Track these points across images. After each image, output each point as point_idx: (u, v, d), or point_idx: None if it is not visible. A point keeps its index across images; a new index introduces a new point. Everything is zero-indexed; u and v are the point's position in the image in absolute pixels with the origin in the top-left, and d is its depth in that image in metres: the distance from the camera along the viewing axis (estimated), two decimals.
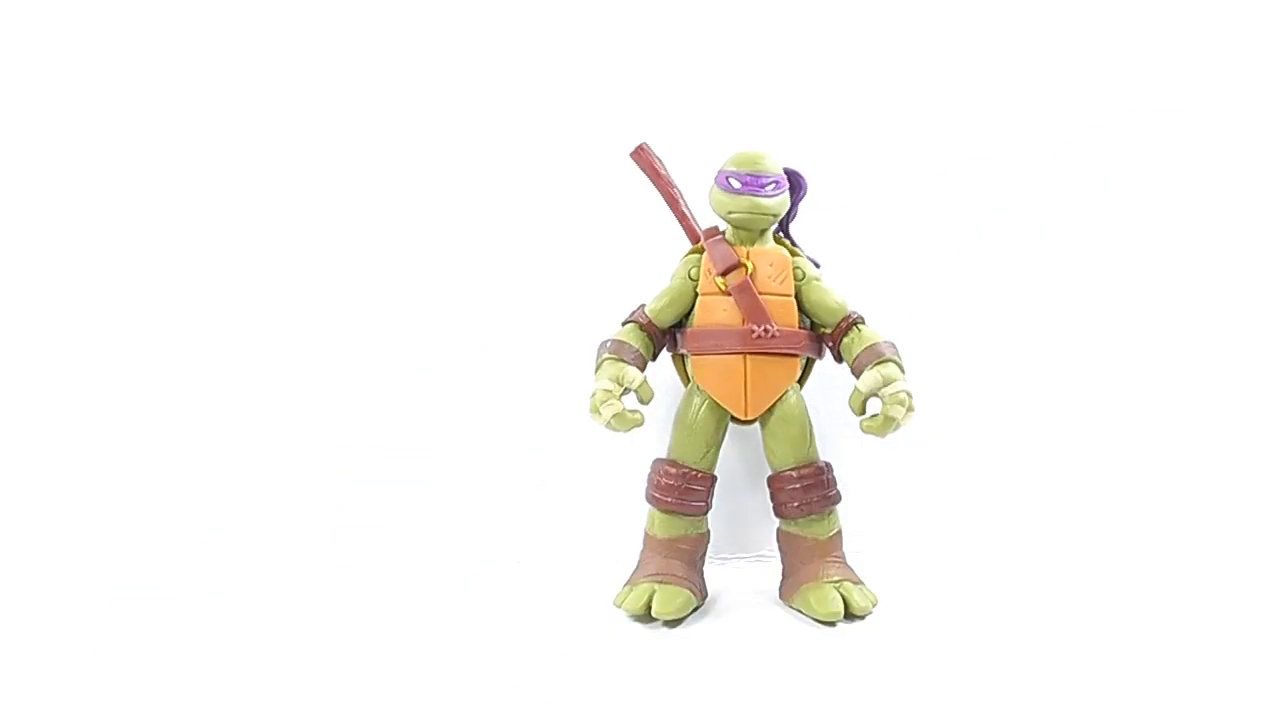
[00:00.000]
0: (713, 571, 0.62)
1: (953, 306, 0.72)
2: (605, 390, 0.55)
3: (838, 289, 0.59)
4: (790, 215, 0.61)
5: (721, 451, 0.59)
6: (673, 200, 0.63)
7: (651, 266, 0.63)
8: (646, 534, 0.59)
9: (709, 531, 0.60)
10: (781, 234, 0.61)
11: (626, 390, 0.56)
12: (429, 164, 0.73)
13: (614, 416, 0.55)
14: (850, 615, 0.55)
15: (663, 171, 0.63)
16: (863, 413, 0.56)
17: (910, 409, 0.55)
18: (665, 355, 0.61)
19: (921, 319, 0.70)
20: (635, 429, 0.56)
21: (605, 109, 0.72)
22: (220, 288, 0.73)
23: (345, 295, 0.73)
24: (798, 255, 0.60)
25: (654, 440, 0.61)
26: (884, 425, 0.55)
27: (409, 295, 0.72)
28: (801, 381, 0.61)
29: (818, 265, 0.61)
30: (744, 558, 0.68)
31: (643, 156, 0.63)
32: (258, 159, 0.73)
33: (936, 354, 0.69)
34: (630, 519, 0.61)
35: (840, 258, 0.64)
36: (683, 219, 0.62)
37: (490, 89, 0.73)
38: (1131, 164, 0.74)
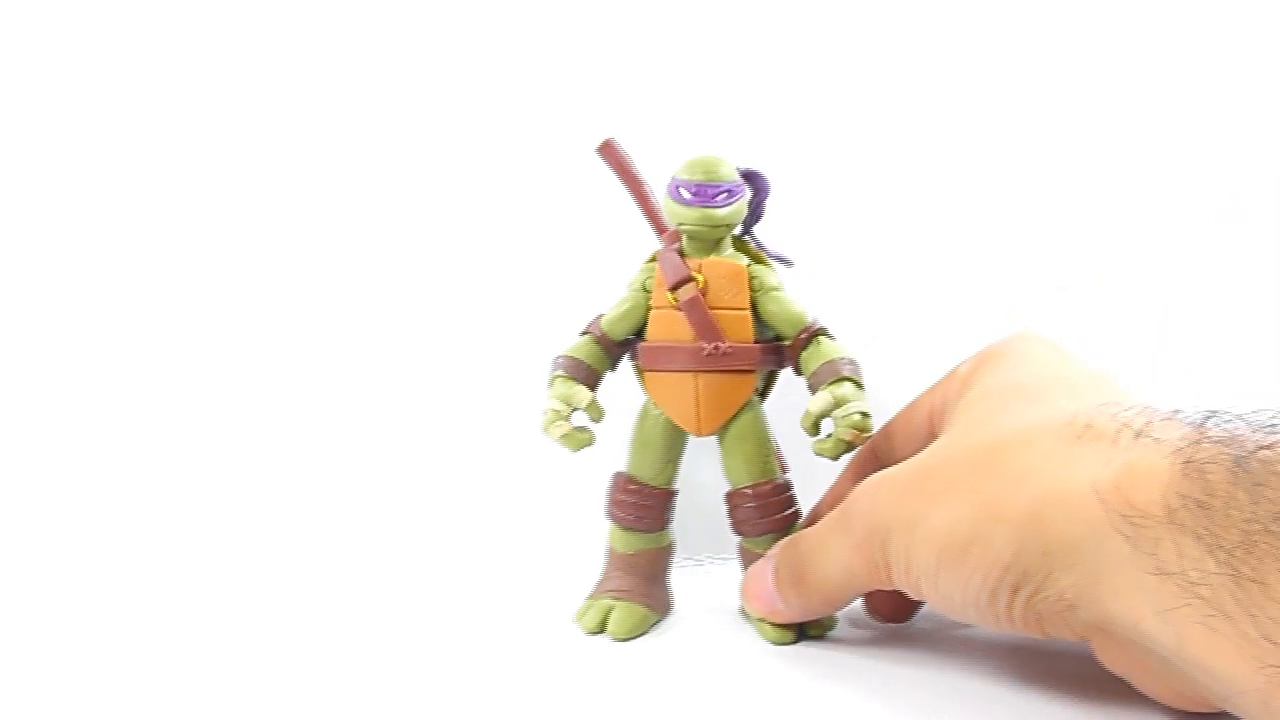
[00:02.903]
0: (684, 575, 0.61)
1: (927, 309, 0.69)
2: (555, 410, 0.55)
3: (799, 299, 0.56)
4: (755, 216, 0.58)
5: (695, 451, 0.58)
6: (643, 198, 0.61)
7: (626, 267, 0.61)
8: (608, 547, 0.59)
9: (673, 544, 0.59)
10: (745, 237, 0.59)
11: (575, 409, 0.55)
12: (409, 167, 0.73)
13: (562, 436, 0.55)
14: (807, 636, 0.55)
15: (630, 168, 0.61)
16: (816, 433, 0.54)
17: (865, 430, 0.53)
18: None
19: (894, 322, 0.67)
20: (586, 448, 0.55)
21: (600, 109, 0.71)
22: (217, 290, 0.75)
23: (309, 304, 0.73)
24: (762, 261, 0.58)
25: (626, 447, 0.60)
26: (835, 448, 0.53)
27: (392, 300, 0.73)
28: (765, 393, 0.59)
29: (789, 264, 0.59)
30: (717, 560, 0.67)
31: (610, 152, 0.61)
32: (255, 161, 0.74)
33: (910, 358, 0.66)
34: (600, 527, 0.61)
35: (813, 259, 0.61)
36: (653, 217, 0.60)
37: (485, 91, 0.73)
38: (1110, 164, 0.70)
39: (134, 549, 0.71)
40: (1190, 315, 0.72)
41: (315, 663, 0.52)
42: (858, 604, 0.58)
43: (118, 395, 0.75)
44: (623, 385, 0.58)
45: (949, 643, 0.54)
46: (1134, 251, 0.72)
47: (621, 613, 0.55)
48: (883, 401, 0.55)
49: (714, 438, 0.57)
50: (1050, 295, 0.73)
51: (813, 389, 0.55)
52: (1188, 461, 0.36)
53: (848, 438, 0.53)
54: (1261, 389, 0.71)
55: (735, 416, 0.56)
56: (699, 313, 0.54)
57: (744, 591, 0.55)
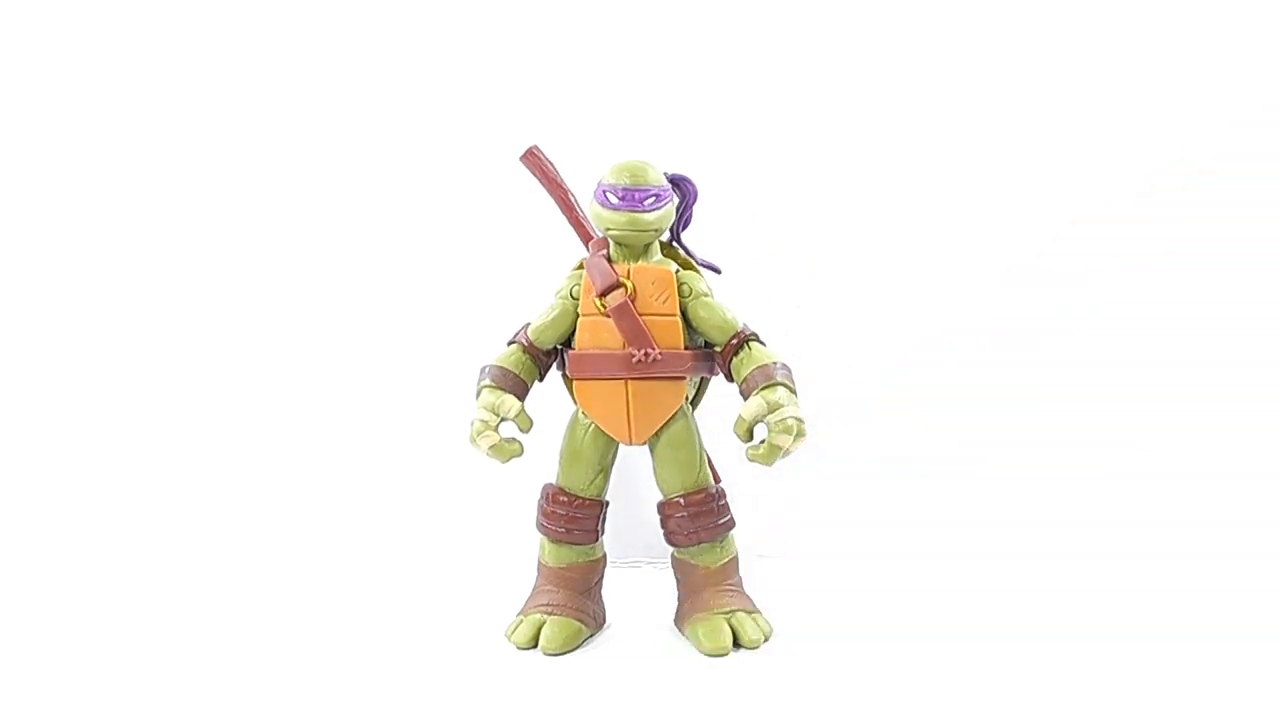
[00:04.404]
0: (620, 579, 0.60)
1: (925, 309, 0.70)
2: (482, 421, 0.53)
3: (729, 305, 0.56)
4: (683, 222, 0.58)
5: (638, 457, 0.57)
6: (568, 206, 0.60)
7: (553, 275, 0.60)
8: (539, 561, 0.58)
9: (604, 556, 0.58)
10: (674, 244, 0.58)
11: (503, 420, 0.54)
12: (333, 177, 0.74)
13: (491, 448, 0.53)
14: (741, 647, 0.54)
15: (555, 175, 0.60)
16: (749, 440, 0.53)
17: (800, 435, 0.52)
18: None
19: (890, 322, 0.67)
20: (515, 459, 0.54)
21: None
22: (214, 292, 0.75)
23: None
24: (690, 267, 0.57)
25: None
26: (769, 454, 0.52)
27: (313, 310, 0.72)
28: (696, 401, 0.58)
29: (718, 271, 0.58)
30: (655, 564, 0.66)
31: (533, 160, 0.60)
32: (258, 162, 0.74)
33: (907, 359, 0.66)
34: (530, 541, 0.59)
35: (811, 259, 0.61)
36: (579, 225, 0.59)
37: (409, 100, 0.73)
38: (1109, 163, 0.71)
39: (153, 552, 0.72)
40: (1190, 315, 0.72)
41: (246, 678, 0.50)
42: (784, 605, 0.58)
43: (113, 401, 0.75)
44: (552, 395, 0.57)
45: (890, 654, 0.53)
46: (1132, 250, 0.72)
47: (553, 628, 0.54)
48: (877, 402, 0.55)
49: (645, 446, 0.56)
50: (1048, 293, 0.72)
51: (745, 395, 0.54)
52: None
53: (782, 443, 0.52)
54: (1262, 388, 0.71)
55: (667, 424, 0.55)
56: (628, 319, 0.53)
57: None
